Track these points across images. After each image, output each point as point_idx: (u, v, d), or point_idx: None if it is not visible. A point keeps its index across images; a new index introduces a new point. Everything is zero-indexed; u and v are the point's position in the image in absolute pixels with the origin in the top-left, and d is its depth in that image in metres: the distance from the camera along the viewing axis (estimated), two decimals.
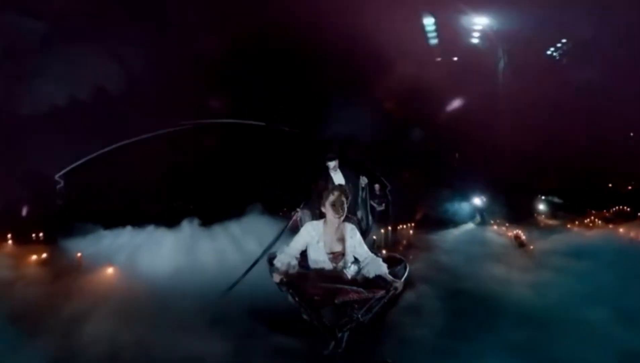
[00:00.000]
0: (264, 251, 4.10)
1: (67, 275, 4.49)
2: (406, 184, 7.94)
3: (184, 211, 6.32)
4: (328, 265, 2.77)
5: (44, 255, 5.22)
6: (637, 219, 7.45)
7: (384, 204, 6.89)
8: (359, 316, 2.48)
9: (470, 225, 7.64)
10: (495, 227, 7.50)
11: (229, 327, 3.28)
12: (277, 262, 2.78)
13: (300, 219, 4.14)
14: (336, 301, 2.44)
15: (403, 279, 2.79)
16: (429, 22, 7.64)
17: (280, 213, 5.93)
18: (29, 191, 6.47)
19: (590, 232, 7.16)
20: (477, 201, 8.17)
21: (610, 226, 7.57)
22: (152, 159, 6.62)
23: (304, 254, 2.86)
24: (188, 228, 5.86)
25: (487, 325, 3.38)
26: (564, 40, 8.62)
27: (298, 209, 4.25)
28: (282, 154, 7.30)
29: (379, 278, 2.70)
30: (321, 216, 2.90)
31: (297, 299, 2.55)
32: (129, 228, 5.86)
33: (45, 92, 6.12)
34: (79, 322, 3.32)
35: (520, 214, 7.73)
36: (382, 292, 2.57)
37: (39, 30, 6.03)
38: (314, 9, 6.27)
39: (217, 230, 5.88)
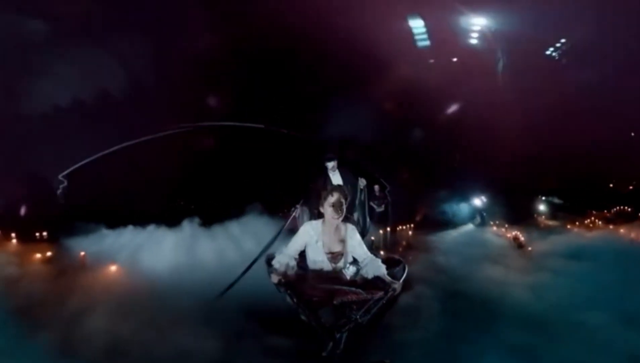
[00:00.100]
0: (263, 250, 4.10)
1: (72, 273, 4.57)
2: (405, 185, 7.94)
3: (185, 211, 6.37)
4: (327, 265, 2.76)
5: (49, 254, 5.29)
6: (638, 219, 7.43)
7: (383, 205, 6.92)
8: (358, 317, 2.46)
9: (469, 226, 7.65)
10: (494, 228, 7.50)
11: (227, 327, 3.30)
12: (276, 263, 2.76)
13: (300, 215, 4.13)
14: (334, 302, 2.43)
15: (401, 280, 2.78)
16: (418, 24, 7.62)
17: (281, 214, 5.96)
18: (32, 191, 6.54)
19: (590, 233, 7.15)
20: (477, 201, 8.17)
21: (611, 226, 7.56)
22: (153, 160, 6.68)
23: (302, 255, 2.85)
24: (188, 228, 5.92)
25: (485, 326, 3.39)
26: (563, 40, 8.60)
27: (297, 206, 4.25)
28: (281, 155, 7.32)
29: (377, 279, 2.68)
30: (319, 216, 2.88)
31: (295, 300, 2.53)
32: (130, 227, 5.94)
33: (49, 94, 6.16)
34: (83, 317, 3.40)
35: (520, 215, 7.73)
36: (380, 293, 2.55)
37: (40, 31, 6.05)
38: (313, 10, 6.27)
39: (217, 229, 5.91)
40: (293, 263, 2.78)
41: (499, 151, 7.83)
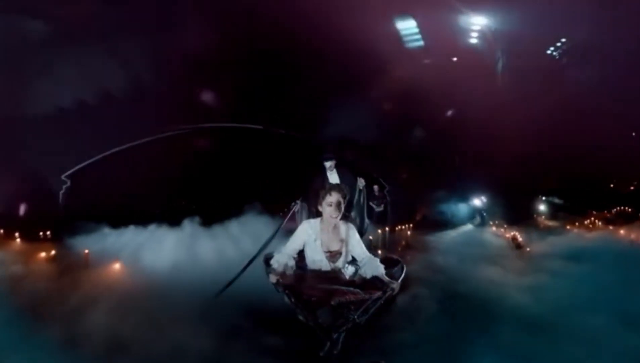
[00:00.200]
0: (262, 247, 4.10)
1: (76, 271, 4.65)
2: (405, 184, 7.94)
3: (185, 211, 6.42)
4: (325, 264, 2.76)
5: (53, 253, 5.36)
6: (638, 220, 7.42)
7: (382, 205, 6.92)
8: (355, 317, 2.46)
9: (468, 226, 7.65)
10: (493, 228, 7.51)
11: (225, 326, 3.33)
12: (274, 262, 2.74)
13: (299, 211, 4.13)
14: (332, 302, 2.42)
15: (400, 280, 2.77)
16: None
17: (281, 214, 5.98)
18: (36, 191, 6.60)
19: (590, 234, 7.14)
20: (477, 201, 8.17)
21: (611, 227, 7.54)
22: (155, 161, 6.74)
23: (301, 255, 2.85)
24: (189, 227, 5.99)
25: (483, 327, 3.40)
26: (563, 40, 8.57)
27: (297, 201, 4.24)
28: (280, 155, 7.35)
29: (375, 279, 2.67)
30: (317, 214, 2.88)
31: (293, 300, 2.52)
32: (132, 227, 6.01)
33: (51, 95, 6.20)
34: (86, 314, 3.47)
35: (520, 215, 7.72)
36: (378, 293, 2.54)
37: (42, 32, 6.07)
38: (312, 10, 6.28)
39: (217, 229, 5.96)
40: (292, 262, 2.77)
41: (499, 150, 7.82)
